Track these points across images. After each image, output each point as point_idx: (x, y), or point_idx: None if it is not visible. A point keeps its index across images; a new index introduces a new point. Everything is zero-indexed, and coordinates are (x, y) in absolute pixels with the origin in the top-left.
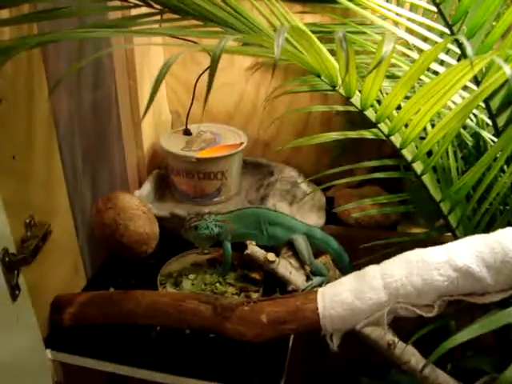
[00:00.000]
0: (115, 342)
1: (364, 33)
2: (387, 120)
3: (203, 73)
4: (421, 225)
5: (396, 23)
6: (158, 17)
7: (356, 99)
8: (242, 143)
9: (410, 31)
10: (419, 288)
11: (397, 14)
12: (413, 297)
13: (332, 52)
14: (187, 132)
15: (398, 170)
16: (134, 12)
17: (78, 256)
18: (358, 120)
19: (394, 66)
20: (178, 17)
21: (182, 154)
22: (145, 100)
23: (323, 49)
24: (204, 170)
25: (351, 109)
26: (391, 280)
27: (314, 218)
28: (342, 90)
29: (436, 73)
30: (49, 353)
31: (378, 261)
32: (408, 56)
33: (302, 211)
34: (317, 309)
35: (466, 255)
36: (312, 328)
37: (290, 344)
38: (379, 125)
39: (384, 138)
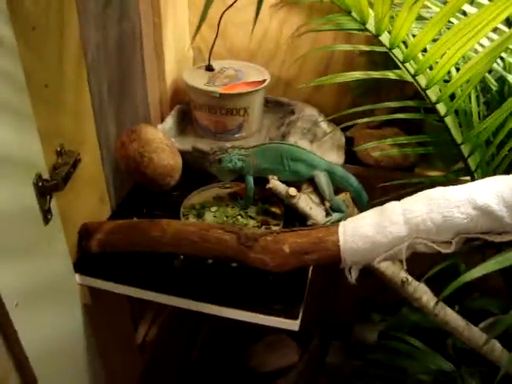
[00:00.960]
0: (140, 269)
1: None
2: (412, 61)
3: (228, 8)
4: (438, 168)
5: None
6: None
7: (384, 38)
8: (264, 80)
9: None
10: (439, 224)
11: None
12: (432, 233)
13: None
14: (210, 68)
15: (419, 112)
16: None
17: (103, 186)
18: (380, 61)
19: (422, 7)
20: None
21: (205, 88)
22: (168, 36)
23: None
24: (227, 105)
25: (377, 49)
26: (412, 215)
27: (333, 157)
28: (372, 28)
29: (466, 14)
30: (77, 277)
31: (395, 200)
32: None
33: (322, 150)
34: (338, 241)
35: (487, 194)
36: (332, 259)
37: (309, 275)
38: (406, 64)
39: (409, 78)
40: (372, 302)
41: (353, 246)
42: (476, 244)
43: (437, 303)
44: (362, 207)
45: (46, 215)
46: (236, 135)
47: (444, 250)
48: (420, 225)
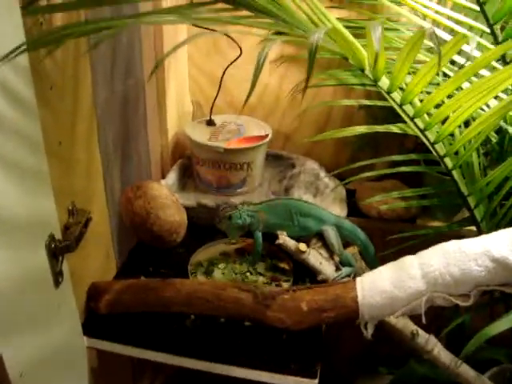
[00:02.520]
0: (150, 330)
1: (393, 29)
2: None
3: (230, 64)
4: (439, 218)
5: (425, 17)
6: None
7: (395, 95)
8: (267, 135)
9: (447, 28)
10: (457, 278)
11: (436, 12)
12: (450, 286)
13: None
14: (211, 122)
15: (419, 165)
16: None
17: (110, 242)
18: (380, 115)
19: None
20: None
21: (209, 144)
22: (170, 90)
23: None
24: (231, 160)
25: (381, 103)
26: (429, 270)
27: (336, 210)
28: (384, 85)
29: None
30: (85, 339)
31: (400, 253)
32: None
33: (325, 203)
34: (356, 297)
35: (503, 246)
36: (350, 316)
37: (323, 331)
38: (415, 119)
39: (417, 132)
40: (374, 355)
41: (371, 302)
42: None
43: (459, 363)
44: (369, 260)
45: (57, 278)
46: (239, 190)
47: (462, 303)
48: (438, 279)
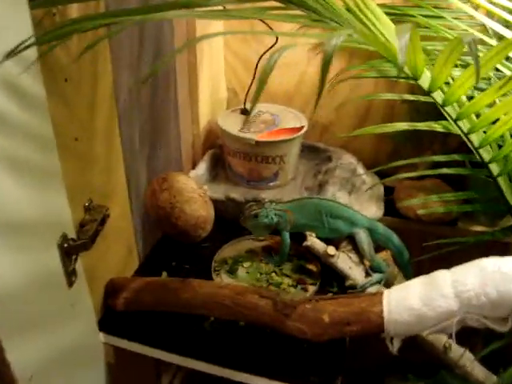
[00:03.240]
0: (167, 330)
1: (439, 17)
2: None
3: (267, 51)
4: (482, 222)
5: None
6: None
7: (437, 95)
8: (302, 127)
9: (490, 15)
10: (493, 300)
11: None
12: (486, 308)
13: None
14: (245, 111)
15: (464, 166)
16: None
17: (132, 238)
18: (424, 108)
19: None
20: None
21: (240, 135)
22: (203, 77)
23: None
24: (262, 153)
25: (424, 99)
26: (463, 289)
27: (372, 209)
28: (424, 83)
29: None
30: (102, 336)
31: (438, 259)
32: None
33: (360, 201)
34: (382, 312)
35: None
36: (374, 331)
37: (347, 343)
38: (459, 122)
39: (460, 133)
40: (404, 361)
41: (397, 318)
42: None
43: None
44: (403, 266)
45: (71, 277)
46: (271, 183)
47: (499, 328)
48: (472, 299)
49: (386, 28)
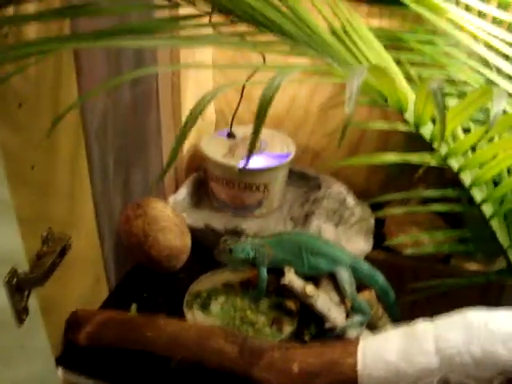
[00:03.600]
0: (131, 367)
1: (435, 44)
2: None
3: (254, 73)
4: (477, 260)
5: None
6: (206, 19)
7: (425, 130)
8: (288, 154)
9: (489, 46)
10: (478, 359)
11: (477, 28)
12: (469, 368)
13: (397, 62)
14: (231, 135)
15: (460, 201)
16: (181, 12)
17: (100, 266)
18: (419, 136)
19: (466, 83)
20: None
21: (223, 162)
22: (188, 98)
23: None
24: (246, 180)
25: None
26: (446, 345)
27: (360, 243)
28: (410, 118)
29: None
30: (60, 371)
31: (427, 299)
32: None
33: (348, 234)
34: (356, 365)
35: None
36: None
37: None
38: (449, 159)
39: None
40: None
41: (373, 374)
42: None
43: None
44: (389, 307)
45: (21, 315)
46: (255, 211)
47: None
48: (455, 357)
49: (380, 59)
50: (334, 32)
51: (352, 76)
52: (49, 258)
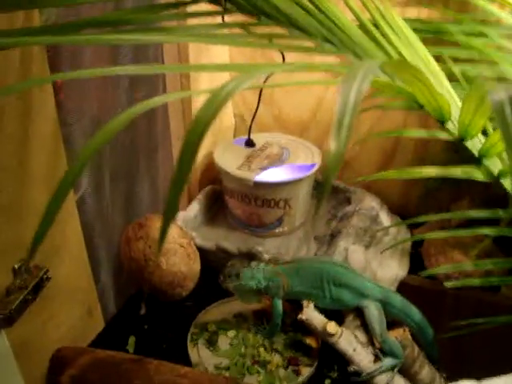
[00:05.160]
0: None
1: (485, 35)
2: None
3: (270, 76)
4: None
5: None
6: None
7: (473, 144)
8: (313, 165)
9: None
10: None
11: None
12: None
13: (437, 58)
14: (250, 143)
15: None
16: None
17: (93, 296)
18: (462, 146)
19: None
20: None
21: (236, 174)
22: (200, 102)
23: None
24: (263, 195)
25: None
26: None
27: (394, 266)
28: (453, 129)
29: None
30: None
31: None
32: None
33: (380, 257)
34: None
35: None
36: None
37: None
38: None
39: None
40: None
41: None
42: None
43: None
44: (426, 346)
45: None
46: (275, 230)
47: None
48: None
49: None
50: (361, 25)
51: (349, 78)
52: (19, 294)
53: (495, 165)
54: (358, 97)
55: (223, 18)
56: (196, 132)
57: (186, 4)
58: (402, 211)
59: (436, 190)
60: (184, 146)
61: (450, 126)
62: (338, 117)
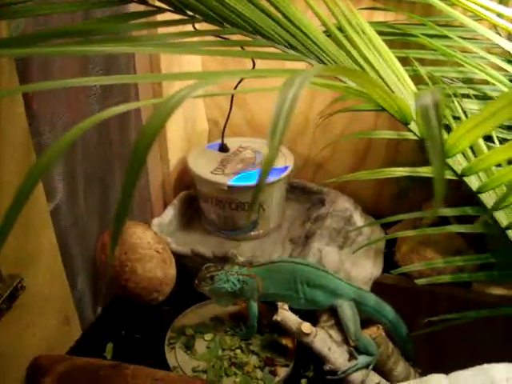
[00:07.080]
0: None
1: (449, 37)
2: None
3: (241, 81)
4: (502, 284)
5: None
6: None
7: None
8: (286, 167)
9: None
10: None
11: (498, 15)
12: None
13: (404, 60)
14: (223, 147)
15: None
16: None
17: (69, 304)
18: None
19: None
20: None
21: (210, 178)
22: None
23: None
24: (237, 199)
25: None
26: None
27: (368, 266)
28: (415, 129)
29: None
30: None
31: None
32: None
33: (354, 257)
34: None
35: None
36: None
37: None
38: (467, 178)
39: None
40: None
41: None
42: None
43: None
44: (400, 343)
45: None
46: (250, 233)
47: None
48: None
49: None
50: (327, 31)
51: (287, 85)
52: None
53: (459, 163)
54: (292, 103)
55: (194, 25)
56: (144, 142)
57: (155, 14)
58: (375, 211)
59: (408, 190)
60: (133, 156)
61: (413, 126)
62: (272, 122)
